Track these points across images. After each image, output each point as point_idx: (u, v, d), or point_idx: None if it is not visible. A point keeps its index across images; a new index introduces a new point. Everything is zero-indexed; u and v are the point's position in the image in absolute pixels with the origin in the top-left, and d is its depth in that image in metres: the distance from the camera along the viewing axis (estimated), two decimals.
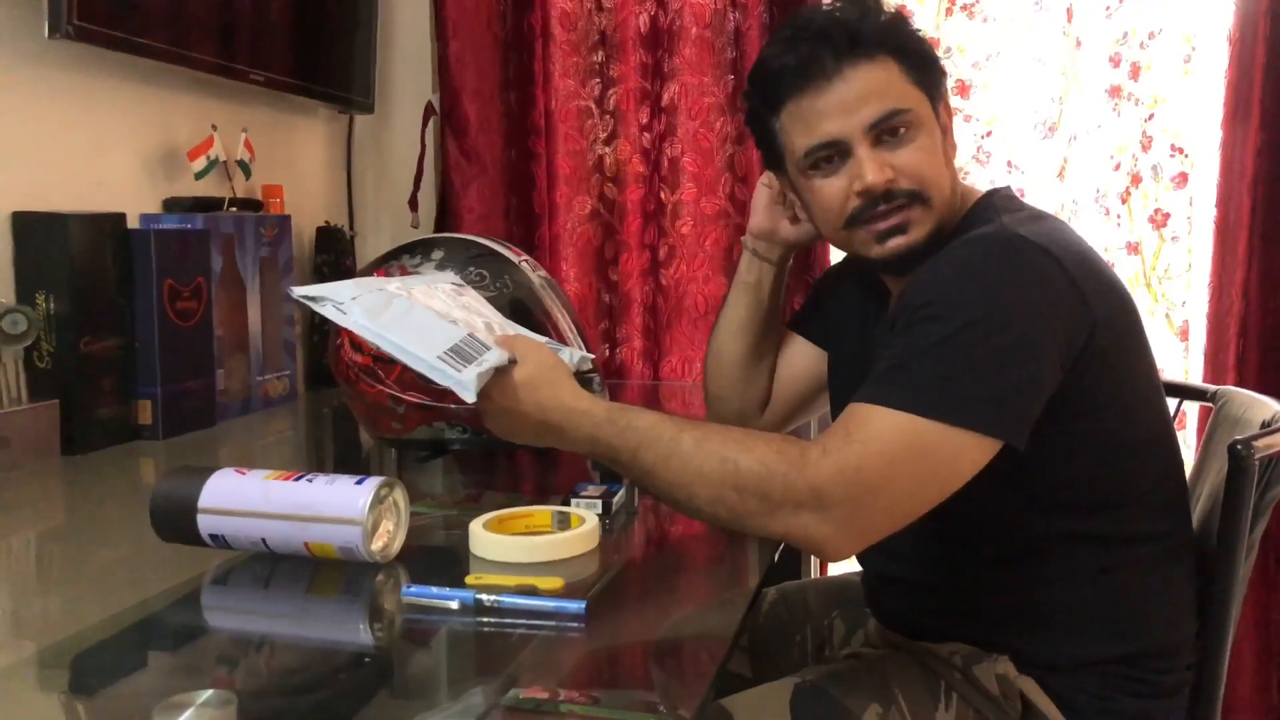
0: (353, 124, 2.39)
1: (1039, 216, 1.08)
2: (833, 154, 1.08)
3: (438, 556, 1.14)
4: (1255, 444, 1.07)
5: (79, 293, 1.54)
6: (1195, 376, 2.05)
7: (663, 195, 2.21)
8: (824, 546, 0.94)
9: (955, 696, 1.08)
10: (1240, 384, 1.83)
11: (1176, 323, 2.15)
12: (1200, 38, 2.08)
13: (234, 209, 1.88)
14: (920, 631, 1.14)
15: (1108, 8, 2.11)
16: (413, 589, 0.97)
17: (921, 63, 1.10)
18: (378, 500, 1.02)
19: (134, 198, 1.76)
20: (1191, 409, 1.95)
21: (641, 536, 1.24)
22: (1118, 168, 2.13)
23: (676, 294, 2.22)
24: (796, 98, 1.08)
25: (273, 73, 1.99)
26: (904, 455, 0.92)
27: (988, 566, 1.10)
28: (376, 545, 1.03)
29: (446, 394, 0.99)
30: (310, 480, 1.04)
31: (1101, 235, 2.13)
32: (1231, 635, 1.12)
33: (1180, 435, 1.20)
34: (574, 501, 1.20)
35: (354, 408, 1.48)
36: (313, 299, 1.03)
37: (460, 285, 1.22)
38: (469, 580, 0.98)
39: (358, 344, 1.38)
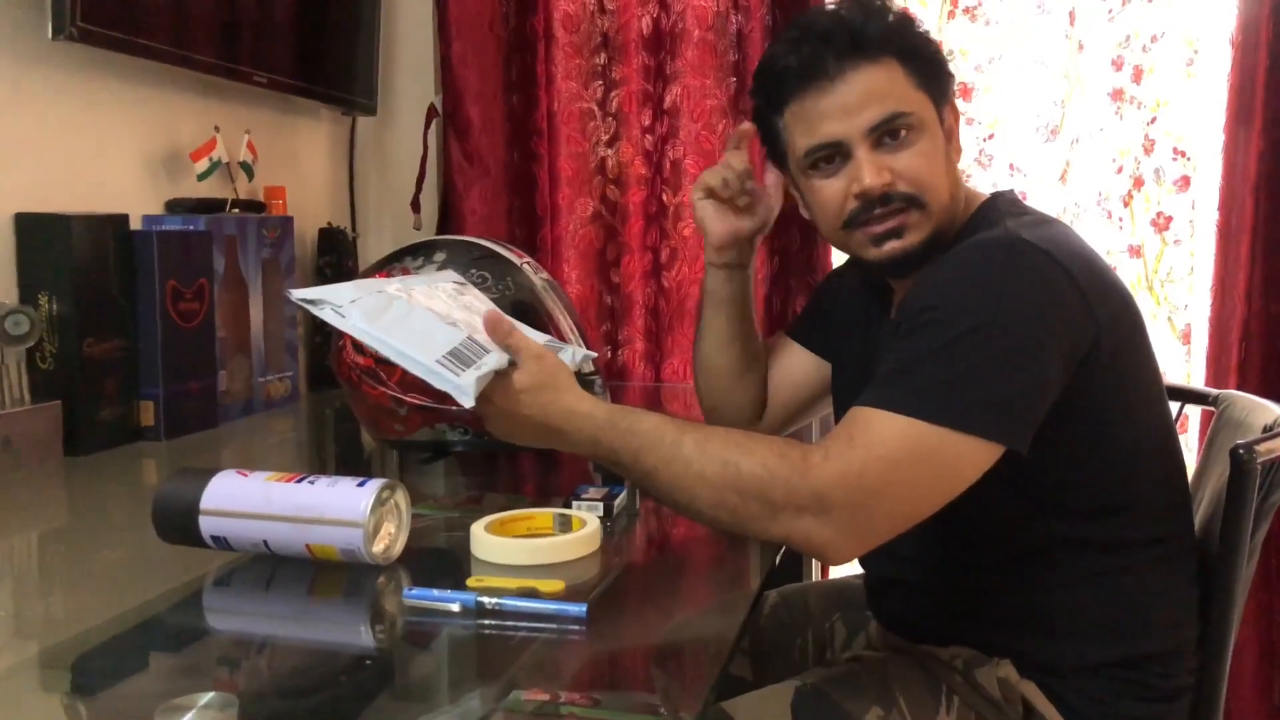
0: (355, 125, 2.39)
1: (1043, 220, 1.08)
2: (833, 155, 1.08)
3: (439, 559, 1.14)
4: (1257, 448, 1.07)
5: (81, 294, 1.54)
6: (1197, 380, 2.05)
7: (665, 197, 2.21)
8: (826, 550, 0.94)
9: (956, 700, 1.08)
10: (1242, 388, 1.83)
11: (1179, 326, 2.15)
12: (1203, 41, 2.08)
13: (236, 210, 1.88)
14: (922, 635, 1.14)
15: (1110, 11, 2.11)
16: (414, 591, 0.97)
17: (927, 65, 1.10)
18: (379, 502, 1.02)
19: (137, 199, 1.76)
20: (1193, 413, 1.95)
21: (643, 539, 1.24)
22: (1120, 171, 2.13)
23: (678, 296, 2.22)
24: (799, 98, 1.09)
25: (276, 74, 1.99)
26: (906, 460, 0.92)
27: (990, 570, 1.10)
28: (378, 547, 1.03)
29: (448, 396, 0.99)
30: (312, 482, 1.04)
31: (1104, 238, 2.13)
32: (1233, 639, 1.12)
33: (1182, 439, 1.20)
34: (575, 504, 1.20)
35: (356, 409, 1.48)
36: (311, 302, 1.03)
37: (462, 284, 1.21)
38: (470, 583, 0.98)
39: (360, 346, 1.38)
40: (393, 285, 1.09)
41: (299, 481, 1.04)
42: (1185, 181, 2.10)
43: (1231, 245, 1.94)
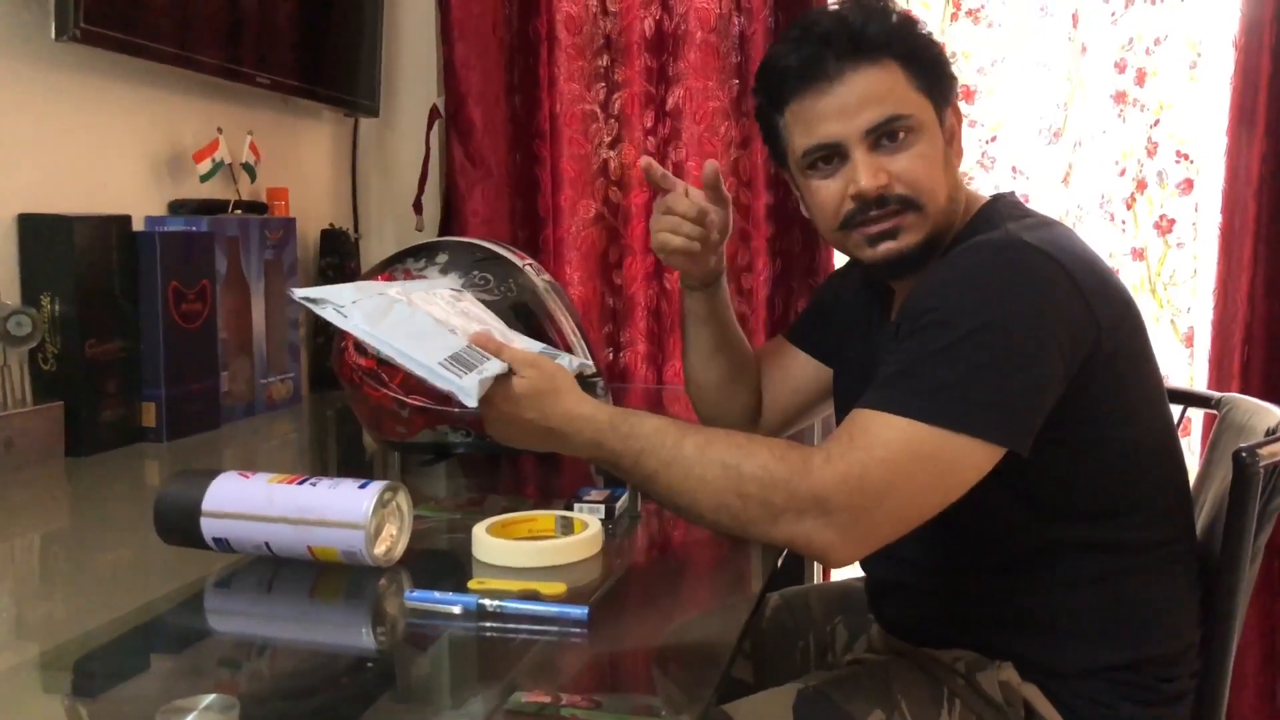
0: (358, 127, 2.39)
1: (1045, 223, 1.08)
2: (831, 155, 1.09)
3: (440, 561, 1.14)
4: (1260, 451, 1.07)
5: (84, 295, 1.54)
6: (1200, 383, 2.05)
7: None
8: (827, 553, 0.94)
9: (958, 703, 1.07)
10: (1245, 391, 1.82)
11: (1181, 329, 2.15)
12: (1206, 44, 2.08)
13: (239, 211, 1.89)
14: (923, 637, 1.14)
15: (1113, 14, 2.11)
16: (415, 593, 0.96)
17: (928, 67, 1.10)
18: (381, 504, 1.02)
19: (139, 200, 1.76)
20: (1196, 416, 1.95)
21: (644, 541, 1.24)
22: (1123, 173, 2.13)
23: (680, 298, 2.22)
24: (799, 98, 1.09)
25: (278, 76, 1.99)
26: (907, 462, 0.92)
27: (991, 572, 1.10)
28: (379, 549, 1.03)
29: (450, 398, 0.99)
30: (314, 484, 1.04)
31: (1106, 241, 2.13)
32: (1235, 642, 1.12)
33: (1184, 442, 1.20)
34: (577, 506, 1.20)
35: (358, 411, 1.48)
36: (313, 301, 1.04)
37: (459, 291, 1.21)
38: (472, 585, 0.98)
39: (362, 347, 1.38)
40: (393, 289, 1.10)
41: (301, 483, 1.04)
42: (1188, 184, 2.10)
43: (1234, 248, 1.94)
